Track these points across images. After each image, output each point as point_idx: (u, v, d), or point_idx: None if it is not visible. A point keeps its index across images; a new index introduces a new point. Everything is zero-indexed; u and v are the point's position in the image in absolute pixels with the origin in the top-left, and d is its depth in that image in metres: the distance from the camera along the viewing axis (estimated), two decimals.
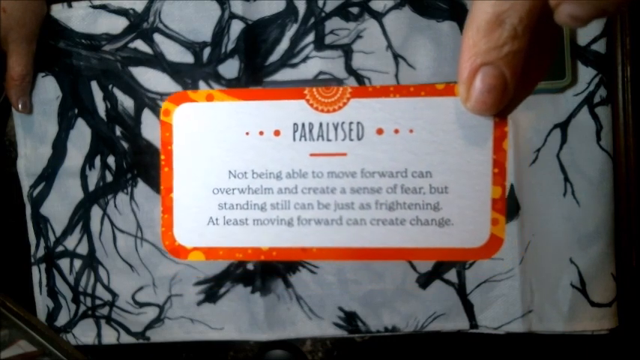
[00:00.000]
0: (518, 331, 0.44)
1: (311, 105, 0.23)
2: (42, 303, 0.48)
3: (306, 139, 0.23)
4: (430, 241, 0.23)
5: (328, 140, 0.23)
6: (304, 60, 0.44)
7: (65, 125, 0.46)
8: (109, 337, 0.47)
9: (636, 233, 0.44)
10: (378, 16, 0.44)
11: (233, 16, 0.44)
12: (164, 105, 0.24)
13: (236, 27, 0.44)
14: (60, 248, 0.47)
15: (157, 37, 0.45)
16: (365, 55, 0.44)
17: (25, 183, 0.47)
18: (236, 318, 0.46)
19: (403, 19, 0.43)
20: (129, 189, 0.46)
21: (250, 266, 0.45)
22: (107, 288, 0.47)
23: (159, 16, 0.45)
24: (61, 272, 0.47)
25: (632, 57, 0.43)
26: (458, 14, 0.43)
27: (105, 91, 0.46)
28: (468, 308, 0.44)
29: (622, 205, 0.43)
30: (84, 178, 0.46)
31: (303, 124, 0.23)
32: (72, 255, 0.47)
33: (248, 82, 0.44)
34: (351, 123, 0.23)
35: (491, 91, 0.20)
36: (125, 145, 0.46)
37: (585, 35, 0.42)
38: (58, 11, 0.46)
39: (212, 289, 0.46)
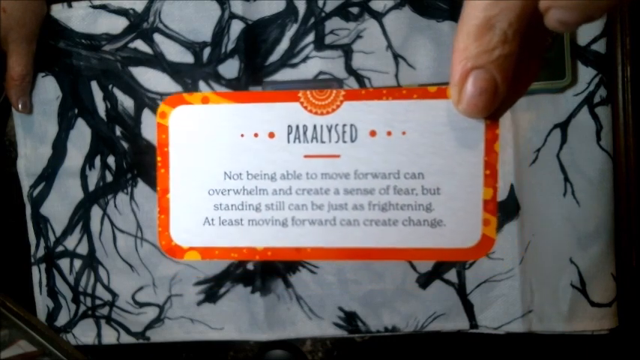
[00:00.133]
0: (518, 331, 0.44)
1: (305, 107, 0.24)
2: (42, 303, 0.48)
3: (300, 141, 0.24)
4: (422, 242, 0.23)
5: (322, 142, 0.23)
6: (304, 60, 0.44)
7: (65, 125, 0.46)
8: (109, 337, 0.47)
9: (636, 233, 0.44)
10: (378, 16, 0.44)
11: (233, 16, 0.44)
12: (160, 107, 0.24)
13: (236, 27, 0.44)
14: (60, 248, 0.47)
15: (157, 37, 0.45)
16: (365, 55, 0.44)
17: (25, 183, 0.47)
18: (236, 318, 0.46)
19: (403, 19, 0.43)
20: (129, 189, 0.46)
21: (250, 266, 0.45)
22: (107, 288, 0.47)
23: (159, 16, 0.45)
24: (61, 272, 0.47)
25: (632, 57, 0.43)
26: (458, 14, 0.43)
27: (105, 91, 0.46)
28: (468, 308, 0.44)
29: (622, 205, 0.43)
30: (84, 178, 0.46)
31: (297, 126, 0.24)
32: (72, 255, 0.47)
33: (248, 82, 0.44)
34: (344, 125, 0.23)
35: (482, 94, 0.20)
36: (125, 145, 0.46)
37: (585, 35, 0.42)
38: (58, 11, 0.46)
39: (212, 289, 0.46)
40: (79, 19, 0.45)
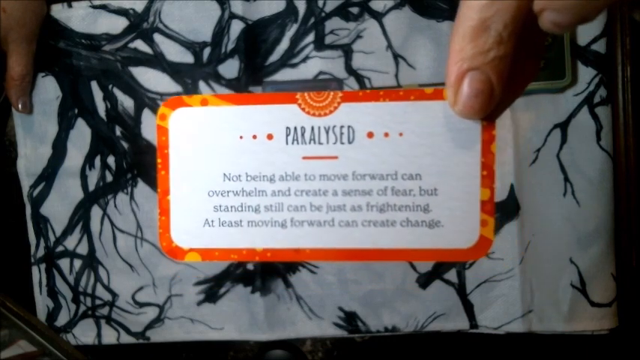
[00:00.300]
0: (518, 331, 0.44)
1: (303, 109, 0.24)
2: (42, 303, 0.48)
3: (298, 143, 0.24)
4: (420, 242, 0.24)
5: (320, 144, 0.24)
6: (304, 60, 0.44)
7: (65, 125, 0.46)
8: (109, 337, 0.47)
9: (636, 233, 0.44)
10: (378, 16, 0.44)
11: (233, 16, 0.44)
12: (160, 110, 0.25)
13: (236, 27, 0.44)
14: (60, 248, 0.47)
15: (157, 37, 0.45)
16: (365, 55, 0.44)
17: (25, 183, 0.47)
18: (236, 318, 0.46)
19: (403, 19, 0.43)
20: (129, 189, 0.46)
21: (250, 266, 0.45)
22: (107, 288, 0.47)
23: (159, 16, 0.45)
24: (61, 272, 0.47)
25: (632, 57, 0.43)
26: None
27: (105, 91, 0.46)
28: (468, 308, 0.44)
29: (622, 205, 0.43)
30: (84, 178, 0.46)
31: (295, 128, 0.24)
32: (72, 255, 0.47)
33: (248, 82, 0.44)
34: (342, 127, 0.24)
35: (478, 95, 0.20)
36: (125, 145, 0.46)
37: (585, 35, 0.42)
38: (58, 11, 0.46)
39: (212, 289, 0.46)
40: (79, 19, 0.45)
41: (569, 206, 0.43)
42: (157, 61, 0.45)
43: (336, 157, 0.24)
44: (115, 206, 0.46)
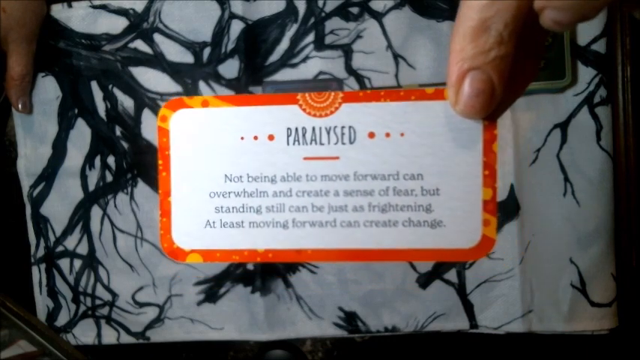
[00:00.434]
0: (518, 331, 0.44)
1: (304, 110, 0.24)
2: (42, 303, 0.48)
3: (299, 144, 0.24)
4: (422, 242, 0.23)
5: (321, 144, 0.24)
6: (304, 60, 0.44)
7: (65, 125, 0.46)
8: (109, 337, 0.47)
9: (636, 233, 0.44)
10: (378, 16, 0.44)
11: (233, 16, 0.44)
12: (161, 111, 0.25)
13: (236, 27, 0.44)
14: (60, 248, 0.47)
15: (157, 37, 0.45)
16: (365, 55, 0.44)
17: (25, 183, 0.47)
18: (236, 318, 0.46)
19: (403, 19, 0.43)
20: (129, 189, 0.46)
21: (250, 266, 0.45)
22: (107, 288, 0.47)
23: (159, 16, 0.45)
24: (61, 272, 0.47)
25: (632, 57, 0.43)
26: None
27: (105, 91, 0.46)
28: (468, 308, 0.44)
29: (622, 205, 0.43)
30: (84, 178, 0.46)
31: (296, 129, 0.24)
32: (72, 255, 0.47)
33: (248, 82, 0.44)
34: (343, 127, 0.24)
35: (479, 95, 0.20)
36: (125, 145, 0.46)
37: (585, 35, 0.42)
38: (58, 11, 0.46)
39: (212, 289, 0.46)
40: (79, 19, 0.45)
41: (569, 206, 0.43)
42: (156, 61, 0.45)
43: (337, 158, 0.24)
44: (115, 206, 0.46)
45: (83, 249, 0.47)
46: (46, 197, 0.47)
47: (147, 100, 0.45)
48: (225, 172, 0.24)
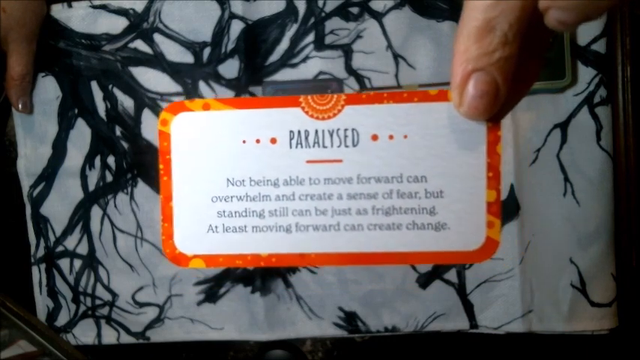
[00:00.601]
0: (518, 331, 0.44)
1: (306, 112, 0.24)
2: (42, 303, 0.48)
3: (302, 147, 0.24)
4: (427, 245, 0.23)
5: (324, 147, 0.23)
6: (304, 60, 0.44)
7: (65, 125, 0.46)
8: (109, 337, 0.47)
9: (636, 233, 0.44)
10: (378, 16, 0.44)
11: (233, 16, 0.44)
12: (162, 115, 0.24)
13: (236, 27, 0.44)
14: (60, 248, 0.47)
15: (157, 37, 0.45)
16: (365, 55, 0.44)
17: (25, 183, 0.47)
18: (236, 318, 0.46)
19: (403, 19, 0.43)
20: (129, 189, 0.46)
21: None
22: (107, 288, 0.47)
23: (159, 16, 0.45)
24: (61, 272, 0.47)
25: (632, 57, 0.43)
26: (458, 14, 0.43)
27: (105, 91, 0.46)
28: (468, 308, 0.44)
29: (622, 205, 0.43)
30: (84, 178, 0.46)
31: (298, 132, 0.24)
32: (72, 255, 0.47)
33: (248, 82, 0.44)
34: (346, 130, 0.23)
35: (483, 96, 0.20)
36: (125, 145, 0.46)
37: (585, 35, 0.42)
38: (58, 11, 0.46)
39: (212, 289, 0.46)
40: (79, 19, 0.45)
41: (569, 206, 0.43)
42: (156, 61, 0.45)
43: (340, 161, 0.23)
44: (115, 206, 0.46)
45: (83, 249, 0.47)
46: (46, 197, 0.47)
47: (147, 100, 0.45)
48: (228, 176, 0.24)
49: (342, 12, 0.44)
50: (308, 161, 0.24)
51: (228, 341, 0.47)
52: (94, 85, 0.46)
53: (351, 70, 0.44)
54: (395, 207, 0.23)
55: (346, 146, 0.23)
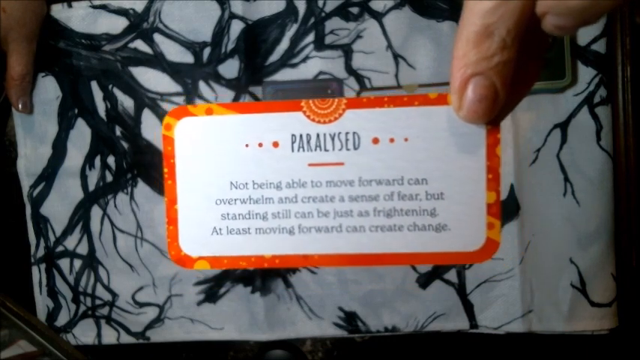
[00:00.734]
0: (518, 331, 0.44)
1: (308, 116, 0.24)
2: (42, 303, 0.48)
3: (304, 150, 0.24)
4: (428, 246, 0.24)
5: (326, 150, 0.24)
6: (304, 60, 0.44)
7: (65, 125, 0.46)
8: (109, 337, 0.47)
9: (636, 233, 0.44)
10: (378, 16, 0.44)
11: (233, 16, 0.44)
12: (165, 119, 0.25)
13: (236, 27, 0.44)
14: (60, 248, 0.47)
15: (157, 37, 0.45)
16: (365, 55, 0.44)
17: (25, 183, 0.47)
18: (236, 318, 0.46)
19: (403, 19, 0.43)
20: (129, 189, 0.46)
21: None
22: (107, 288, 0.47)
23: (159, 16, 0.45)
24: (61, 272, 0.47)
25: (632, 57, 0.43)
26: (458, 14, 0.43)
27: (105, 91, 0.46)
28: (468, 308, 0.44)
29: (622, 205, 0.43)
30: (84, 178, 0.46)
31: (300, 135, 0.24)
32: (72, 255, 0.47)
33: (248, 82, 0.44)
34: (347, 133, 0.24)
35: (482, 100, 0.20)
36: (125, 145, 0.46)
37: (585, 35, 0.42)
38: (58, 11, 0.46)
39: (212, 289, 0.46)
40: (79, 19, 0.45)
41: (569, 206, 0.43)
42: (157, 61, 0.45)
43: (342, 164, 0.24)
44: (115, 206, 0.46)
45: (83, 249, 0.47)
46: (46, 197, 0.47)
47: (147, 100, 0.45)
48: (231, 180, 0.25)
49: (342, 12, 0.44)
50: (310, 164, 0.24)
51: (228, 341, 0.47)
52: (94, 85, 0.46)
53: (351, 70, 0.44)
54: (396, 209, 0.24)
55: (347, 149, 0.24)
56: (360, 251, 0.24)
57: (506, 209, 0.43)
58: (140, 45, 0.45)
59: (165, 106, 0.45)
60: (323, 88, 0.44)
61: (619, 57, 0.43)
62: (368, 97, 0.24)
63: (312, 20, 0.44)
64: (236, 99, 0.45)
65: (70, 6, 0.45)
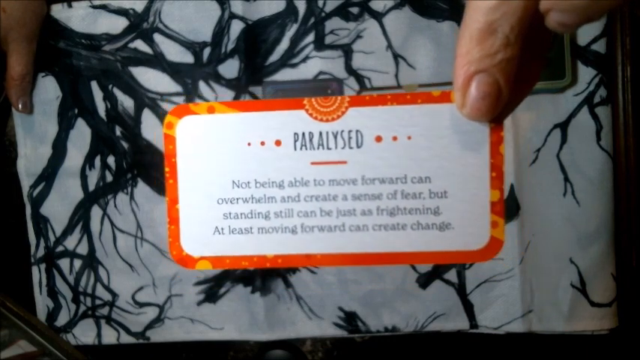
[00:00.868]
0: (518, 331, 0.44)
1: (310, 115, 0.24)
2: (42, 303, 0.48)
3: (306, 148, 0.24)
4: (431, 245, 0.24)
5: (328, 149, 0.24)
6: (304, 60, 0.44)
7: (65, 125, 0.46)
8: (109, 337, 0.47)
9: (636, 233, 0.44)
10: (378, 16, 0.44)
11: (233, 16, 0.44)
12: (167, 118, 0.25)
13: (236, 27, 0.44)
14: (60, 248, 0.47)
15: (157, 37, 0.45)
16: (365, 55, 0.44)
17: (25, 183, 0.47)
18: (236, 318, 0.46)
19: (403, 19, 0.43)
20: (129, 189, 0.46)
21: None
22: (107, 288, 0.47)
23: (159, 16, 0.45)
24: (61, 272, 0.47)
25: (632, 57, 0.43)
26: (458, 14, 0.43)
27: (105, 91, 0.46)
28: (468, 308, 0.44)
29: (622, 205, 0.43)
30: (84, 178, 0.46)
31: (303, 134, 0.24)
32: (72, 255, 0.47)
33: (248, 82, 0.44)
34: (350, 131, 0.24)
35: (485, 98, 0.20)
36: (125, 145, 0.46)
37: (585, 35, 0.42)
38: (58, 11, 0.46)
39: (212, 289, 0.46)
40: (79, 19, 0.45)
41: (569, 206, 0.43)
42: (156, 61, 0.45)
43: (345, 162, 0.24)
44: (115, 206, 0.46)
45: (83, 249, 0.47)
46: (46, 197, 0.47)
47: (147, 100, 0.45)
48: (233, 179, 0.24)
49: (342, 12, 0.44)
50: (312, 163, 0.24)
51: (228, 341, 0.47)
52: (94, 85, 0.46)
53: (351, 70, 0.44)
54: (399, 207, 0.24)
55: (350, 148, 0.24)
56: (363, 250, 0.24)
57: (507, 209, 0.43)
58: (140, 45, 0.45)
59: (166, 106, 0.45)
60: (323, 88, 0.44)
61: (619, 57, 0.43)
62: (371, 95, 0.24)
63: (312, 20, 0.44)
64: (236, 99, 0.45)
65: (70, 6, 0.45)
